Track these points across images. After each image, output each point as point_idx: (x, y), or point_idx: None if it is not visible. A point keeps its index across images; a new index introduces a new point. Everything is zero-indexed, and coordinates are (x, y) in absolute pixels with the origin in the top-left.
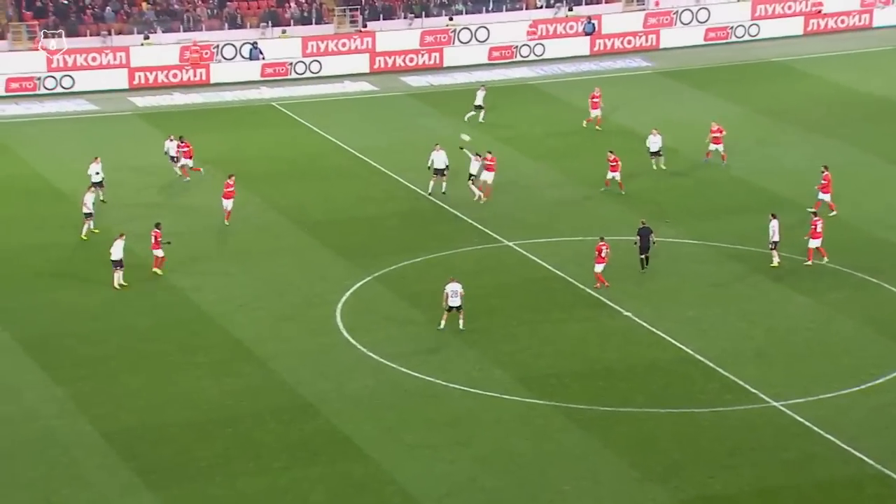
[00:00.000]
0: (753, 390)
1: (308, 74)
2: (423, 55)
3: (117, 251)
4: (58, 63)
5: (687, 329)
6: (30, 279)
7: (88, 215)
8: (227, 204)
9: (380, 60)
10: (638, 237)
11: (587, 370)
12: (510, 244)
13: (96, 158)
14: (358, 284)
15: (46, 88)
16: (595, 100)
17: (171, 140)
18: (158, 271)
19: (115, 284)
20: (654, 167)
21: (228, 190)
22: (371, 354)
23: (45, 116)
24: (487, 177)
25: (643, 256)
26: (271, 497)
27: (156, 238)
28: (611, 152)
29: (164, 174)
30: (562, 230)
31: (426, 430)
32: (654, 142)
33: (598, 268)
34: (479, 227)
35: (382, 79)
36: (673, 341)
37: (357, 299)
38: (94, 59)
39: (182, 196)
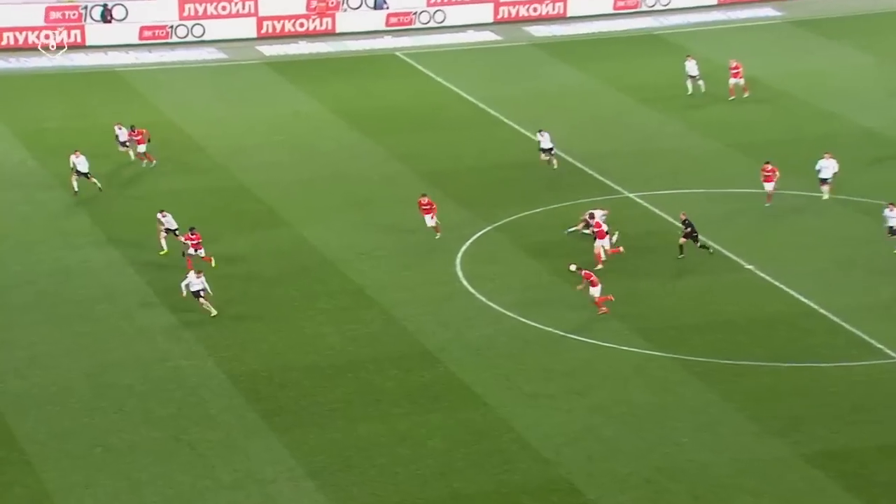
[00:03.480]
0: (879, 346)
1: (432, 24)
2: (546, 5)
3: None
4: (189, 12)
5: (811, 283)
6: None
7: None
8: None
9: (503, 10)
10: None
11: (707, 323)
12: (631, 195)
13: (76, 152)
14: (478, 234)
15: (178, 37)
16: (734, 70)
17: (121, 128)
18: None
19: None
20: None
21: None
22: (490, 304)
23: (177, 64)
24: None
25: (691, 239)
26: (390, 442)
27: (193, 242)
28: (767, 163)
29: (289, 120)
30: (685, 182)
31: (544, 379)
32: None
33: (599, 243)
34: (600, 178)
35: (506, 28)
36: (796, 295)
37: (477, 249)
38: (223, 7)
39: (304, 137)
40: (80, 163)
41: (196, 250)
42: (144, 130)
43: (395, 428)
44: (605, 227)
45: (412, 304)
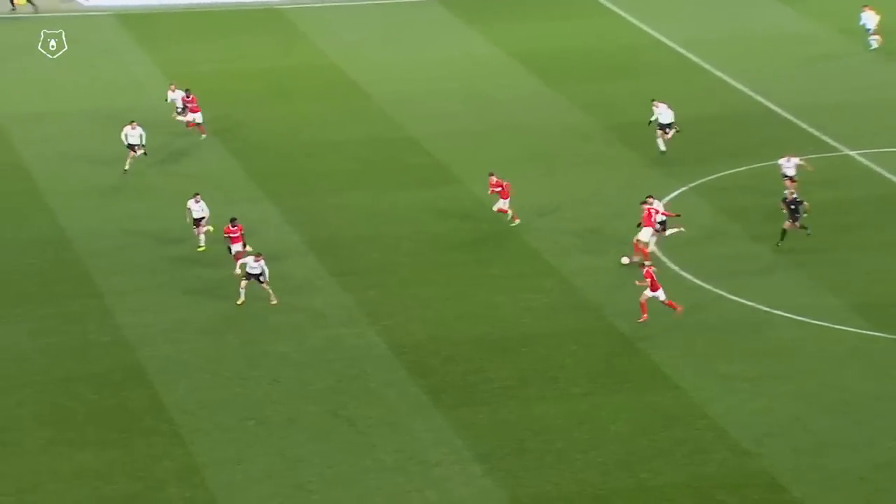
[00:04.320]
0: None
1: None
2: None
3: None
4: None
5: None
6: (320, 179)
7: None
8: None
9: None
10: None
11: None
12: (851, 153)
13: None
14: (672, 195)
15: None
16: None
17: (175, 90)
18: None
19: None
20: None
21: None
22: (684, 274)
23: (344, 3)
24: None
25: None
26: (568, 425)
27: (234, 236)
28: None
29: (463, 64)
30: None
31: (744, 360)
32: None
33: (644, 234)
34: (815, 132)
35: None
36: None
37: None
38: None
39: (479, 84)
40: (133, 135)
41: (234, 245)
42: (196, 98)
43: (573, 409)
44: (658, 217)
45: (595, 272)
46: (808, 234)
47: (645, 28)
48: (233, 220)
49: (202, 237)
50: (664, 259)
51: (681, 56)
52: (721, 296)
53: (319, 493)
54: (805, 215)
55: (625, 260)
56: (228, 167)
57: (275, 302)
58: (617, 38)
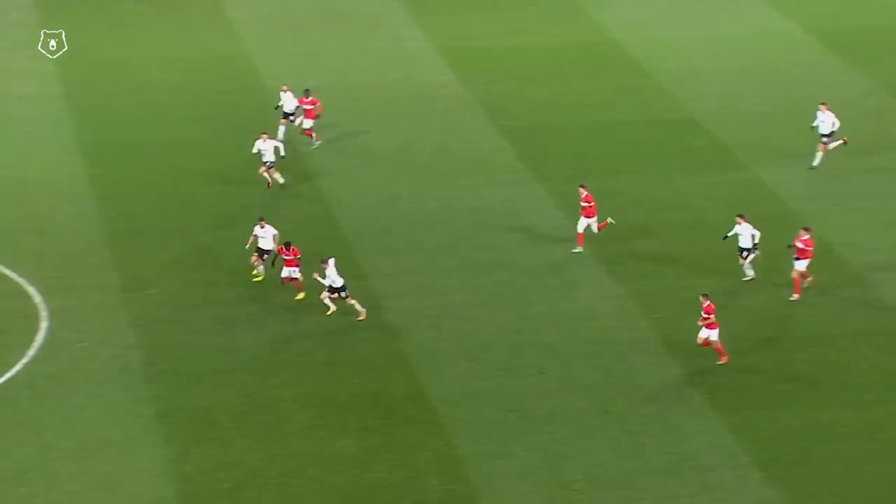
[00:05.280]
0: None
1: None
2: None
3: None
4: None
5: None
6: (593, 161)
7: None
8: None
9: None
10: None
11: None
12: None
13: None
14: None
15: None
16: None
17: (287, 90)
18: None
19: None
20: None
21: None
22: None
23: None
24: None
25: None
26: (858, 434)
27: (287, 259)
28: None
29: (754, 41)
30: None
31: None
32: None
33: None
34: None
35: None
36: None
37: None
38: None
39: (771, 61)
40: (267, 150)
41: (287, 268)
42: (318, 102)
43: (865, 417)
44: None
45: (893, 269)
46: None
47: None
48: (287, 244)
49: (261, 267)
50: None
51: None
52: None
53: (584, 492)
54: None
55: None
56: (498, 147)
57: (362, 318)
58: None
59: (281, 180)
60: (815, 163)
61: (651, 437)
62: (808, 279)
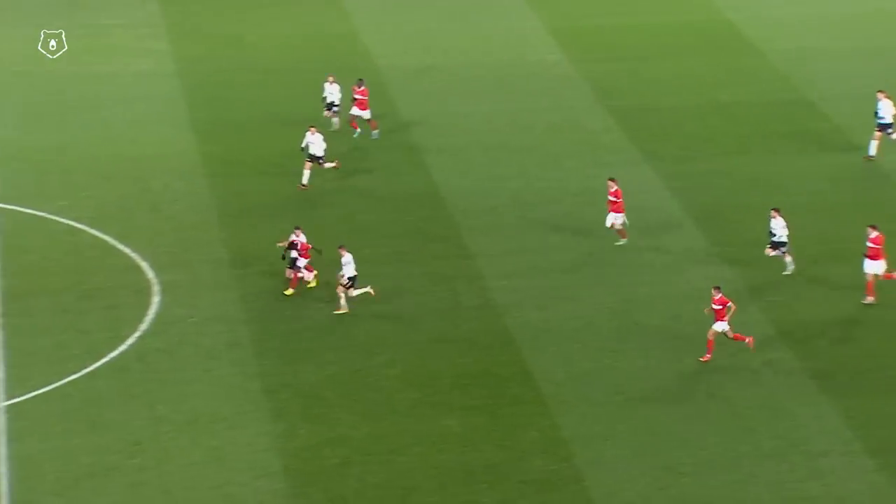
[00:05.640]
0: None
1: None
2: None
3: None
4: None
5: None
6: (705, 142)
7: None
8: None
9: None
10: None
11: None
12: None
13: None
14: None
15: None
16: None
17: (333, 82)
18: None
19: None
20: None
21: None
22: None
23: None
24: None
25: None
26: None
27: (300, 249)
28: None
29: (869, 18)
30: None
31: None
32: None
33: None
34: None
35: None
36: None
37: None
38: None
39: (886, 40)
40: (315, 143)
41: (302, 260)
42: (367, 90)
43: None
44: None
45: None
46: None
47: None
48: (312, 250)
49: (310, 275)
50: None
51: None
52: None
53: (691, 475)
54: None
55: None
56: (607, 127)
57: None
58: None
59: (305, 180)
60: (872, 152)
61: (760, 422)
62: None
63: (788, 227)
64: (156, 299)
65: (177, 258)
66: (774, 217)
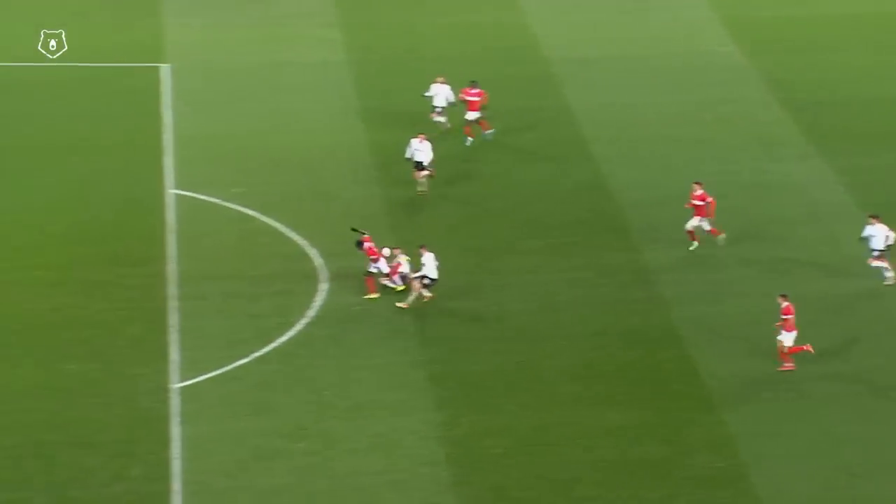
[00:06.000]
0: None
1: None
2: None
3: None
4: None
5: None
6: (880, 138)
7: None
8: None
9: None
10: None
11: None
12: None
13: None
14: None
15: None
16: None
17: (442, 83)
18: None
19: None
20: None
21: None
22: None
23: None
24: None
25: None
26: None
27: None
28: None
29: None
30: None
31: None
32: None
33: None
34: None
35: None
36: None
37: None
38: None
39: None
40: (423, 150)
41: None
42: (484, 93)
43: None
44: None
45: None
46: None
47: None
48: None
49: (396, 279)
50: None
51: None
52: None
53: (865, 476)
54: None
55: None
56: (778, 119)
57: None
58: None
59: (423, 188)
60: None
61: None
62: None
63: None
64: (323, 286)
65: (344, 246)
66: (872, 224)
